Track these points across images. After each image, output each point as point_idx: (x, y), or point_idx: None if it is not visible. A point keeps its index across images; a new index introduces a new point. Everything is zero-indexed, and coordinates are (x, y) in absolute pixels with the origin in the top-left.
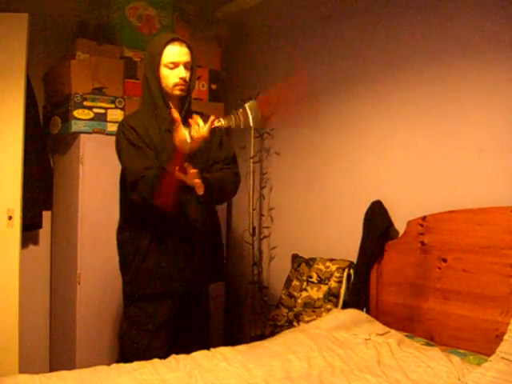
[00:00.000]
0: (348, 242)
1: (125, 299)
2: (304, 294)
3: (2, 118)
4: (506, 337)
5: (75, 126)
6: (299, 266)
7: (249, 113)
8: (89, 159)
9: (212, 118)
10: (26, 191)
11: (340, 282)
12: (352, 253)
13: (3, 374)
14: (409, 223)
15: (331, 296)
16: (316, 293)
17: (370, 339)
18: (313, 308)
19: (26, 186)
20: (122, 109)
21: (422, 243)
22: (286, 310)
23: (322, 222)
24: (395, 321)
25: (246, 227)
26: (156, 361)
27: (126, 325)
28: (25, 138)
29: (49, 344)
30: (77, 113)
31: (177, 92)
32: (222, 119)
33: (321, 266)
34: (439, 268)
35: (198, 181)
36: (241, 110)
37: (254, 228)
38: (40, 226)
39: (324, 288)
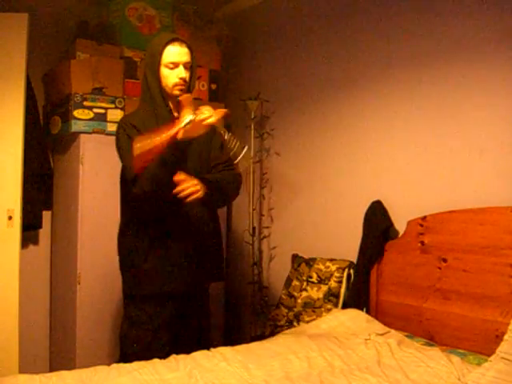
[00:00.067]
0: (348, 242)
1: (125, 299)
2: (304, 294)
3: (2, 118)
4: (506, 337)
5: (75, 126)
6: (299, 266)
7: (242, 152)
8: (89, 159)
9: (225, 110)
10: (25, 191)
11: (340, 282)
12: (352, 253)
13: (3, 374)
14: (409, 223)
15: (331, 296)
16: (316, 293)
17: (369, 339)
18: (313, 308)
19: (26, 186)
20: (121, 109)
21: (422, 243)
22: (286, 310)
23: (322, 222)
24: (395, 321)
25: (246, 227)
26: (156, 361)
27: (127, 325)
28: (25, 138)
29: (49, 344)
30: (77, 113)
31: (176, 92)
32: (226, 131)
33: (321, 266)
34: (439, 268)
35: (193, 189)
36: (239, 144)
37: (253, 228)
38: (40, 226)
39: (324, 288)
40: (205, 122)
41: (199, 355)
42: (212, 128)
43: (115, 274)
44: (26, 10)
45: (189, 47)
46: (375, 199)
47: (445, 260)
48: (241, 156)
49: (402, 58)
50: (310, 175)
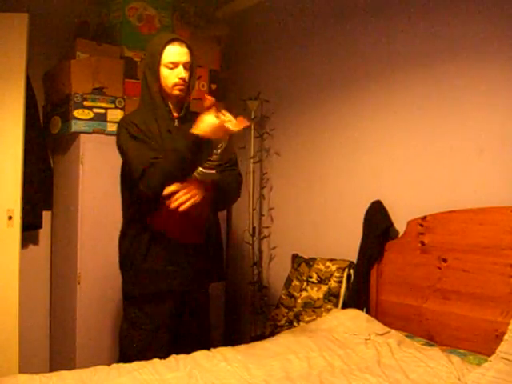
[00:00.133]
0: (348, 242)
1: (125, 299)
2: (304, 294)
3: (2, 118)
4: (506, 337)
5: (75, 126)
6: (299, 266)
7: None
8: (89, 159)
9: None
10: (25, 191)
11: (340, 282)
12: (352, 253)
13: (3, 374)
14: (409, 223)
15: (331, 296)
16: (316, 293)
17: (369, 339)
18: (313, 308)
19: (26, 186)
20: (121, 109)
21: (422, 243)
22: (286, 310)
23: (322, 221)
24: (395, 321)
25: (246, 227)
26: (156, 361)
27: (126, 325)
28: (25, 138)
29: (49, 344)
30: (77, 113)
31: (176, 92)
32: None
33: (321, 266)
34: (439, 268)
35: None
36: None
37: (254, 228)
38: (40, 226)
39: (324, 288)
40: (227, 127)
41: (199, 355)
42: None
43: (115, 274)
44: (26, 10)
45: (188, 47)
46: (375, 199)
47: (445, 260)
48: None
49: (402, 58)
50: (309, 175)
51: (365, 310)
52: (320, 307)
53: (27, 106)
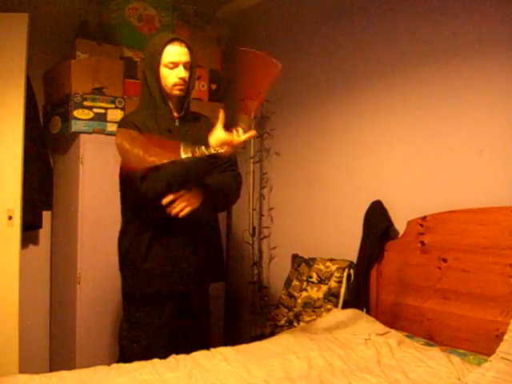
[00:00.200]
0: (348, 242)
1: (124, 299)
2: (304, 293)
3: (2, 118)
4: (506, 337)
5: (75, 126)
6: (299, 266)
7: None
8: (89, 159)
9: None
10: (25, 191)
11: (340, 282)
12: (352, 253)
13: (3, 374)
14: (409, 223)
15: (331, 296)
16: (316, 293)
17: (369, 339)
18: (313, 308)
19: (26, 186)
20: (122, 109)
21: (422, 243)
22: (286, 310)
23: (322, 221)
24: (395, 321)
25: (246, 227)
26: (156, 361)
27: (126, 325)
28: (25, 138)
29: (49, 344)
30: (77, 113)
31: (176, 92)
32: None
33: (321, 266)
34: (439, 268)
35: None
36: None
37: (254, 228)
38: (40, 226)
39: (324, 288)
40: (237, 142)
41: (199, 355)
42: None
43: (115, 274)
44: (26, 10)
45: (188, 47)
46: (375, 199)
47: (445, 260)
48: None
49: (402, 58)
50: (309, 175)
51: (365, 310)
52: (320, 307)
53: (27, 106)
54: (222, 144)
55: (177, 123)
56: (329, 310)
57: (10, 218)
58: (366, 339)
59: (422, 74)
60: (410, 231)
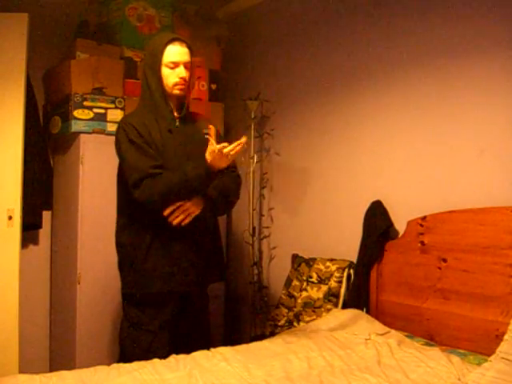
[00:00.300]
0: (348, 242)
1: (124, 299)
2: (304, 294)
3: (2, 118)
4: (506, 337)
5: (75, 126)
6: (299, 265)
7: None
8: (89, 159)
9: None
10: (26, 191)
11: (340, 282)
12: (352, 253)
13: (3, 374)
14: (409, 223)
15: (331, 296)
16: (316, 293)
17: (369, 339)
18: (313, 308)
19: (26, 185)
20: (122, 109)
21: (422, 243)
22: (286, 310)
23: (321, 222)
24: (395, 321)
25: (246, 227)
26: (156, 361)
27: (127, 326)
28: (25, 138)
29: (49, 344)
30: (77, 113)
31: (176, 91)
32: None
33: (321, 266)
34: (439, 268)
35: None
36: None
37: (254, 228)
38: (40, 226)
39: (324, 288)
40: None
41: (199, 355)
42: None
43: (115, 273)
44: (26, 10)
45: (189, 47)
46: (375, 199)
47: (445, 260)
48: None
49: (402, 58)
50: (309, 175)
51: (365, 310)
52: (320, 307)
53: (27, 106)
54: (219, 158)
55: (177, 123)
56: (329, 310)
57: (10, 217)
58: (366, 339)
59: (422, 74)
60: (409, 231)
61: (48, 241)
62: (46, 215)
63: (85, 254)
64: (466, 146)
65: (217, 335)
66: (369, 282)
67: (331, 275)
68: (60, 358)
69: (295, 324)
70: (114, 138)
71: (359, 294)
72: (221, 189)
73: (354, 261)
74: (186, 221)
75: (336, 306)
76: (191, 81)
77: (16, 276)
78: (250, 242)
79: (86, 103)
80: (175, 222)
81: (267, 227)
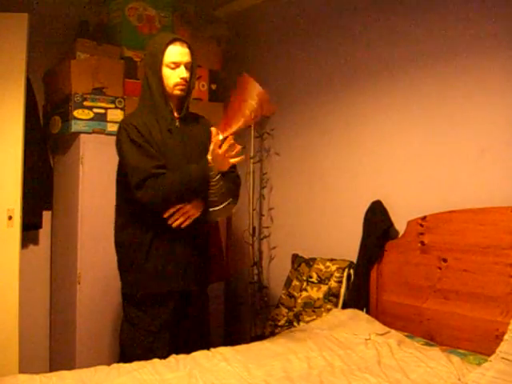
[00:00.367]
0: (348, 242)
1: (124, 299)
2: (304, 294)
3: (2, 118)
4: (506, 337)
5: (75, 126)
6: (299, 265)
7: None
8: (89, 159)
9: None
10: (25, 191)
11: (340, 282)
12: (352, 253)
13: (3, 374)
14: (409, 223)
15: (331, 296)
16: (316, 293)
17: (370, 339)
18: (313, 308)
19: (26, 185)
20: (121, 109)
21: (422, 243)
22: (286, 310)
23: (322, 222)
24: (395, 321)
25: (245, 227)
26: (156, 361)
27: (127, 326)
28: (25, 138)
29: (49, 344)
30: (77, 113)
31: (177, 92)
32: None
33: (321, 266)
34: (439, 268)
35: None
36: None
37: (254, 228)
38: (40, 226)
39: (324, 288)
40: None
41: (199, 355)
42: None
43: (115, 273)
44: (26, 10)
45: (189, 47)
46: (375, 199)
47: (445, 260)
48: (221, 206)
49: (402, 58)
50: (309, 175)
51: (365, 310)
52: (320, 307)
53: (27, 105)
54: (221, 160)
55: (177, 123)
56: (329, 310)
57: (10, 218)
58: (366, 339)
59: (423, 74)
60: (410, 231)
61: (48, 241)
62: (46, 215)
63: (85, 254)
64: (466, 146)
65: (217, 335)
66: (369, 282)
67: (331, 275)
68: (60, 357)
69: (295, 324)
70: (114, 138)
71: (359, 294)
72: (220, 190)
73: (354, 261)
74: (186, 223)
75: (336, 306)
76: (192, 81)
77: (16, 276)
78: (250, 241)
79: (86, 103)
80: (175, 224)
81: (267, 227)
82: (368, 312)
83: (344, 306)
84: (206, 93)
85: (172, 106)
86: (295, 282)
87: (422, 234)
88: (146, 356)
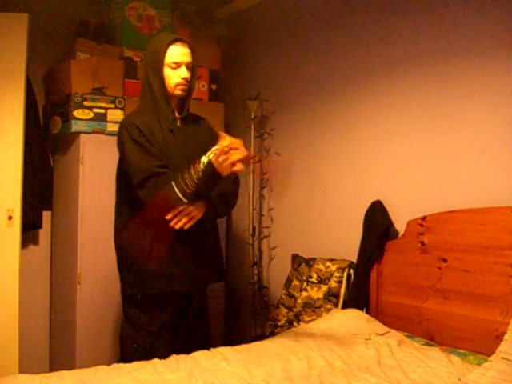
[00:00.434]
0: (348, 242)
1: (125, 300)
2: (304, 293)
3: (2, 118)
4: (506, 337)
5: (75, 126)
6: (299, 265)
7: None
8: (89, 159)
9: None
10: (25, 191)
11: (340, 282)
12: (352, 253)
13: (3, 374)
14: (409, 223)
15: (331, 296)
16: (316, 293)
17: (369, 339)
18: (313, 308)
19: (26, 186)
20: (121, 109)
21: (422, 243)
22: (286, 310)
23: (322, 221)
24: (395, 321)
25: (245, 227)
26: (156, 361)
27: (127, 326)
28: (25, 138)
29: (49, 344)
30: (77, 113)
31: (178, 92)
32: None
33: (321, 266)
34: (439, 268)
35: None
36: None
37: (254, 228)
38: (40, 226)
39: (324, 288)
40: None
41: (199, 355)
42: (213, 132)
43: (115, 274)
44: (26, 10)
45: (190, 47)
46: (375, 199)
47: (445, 260)
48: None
49: (402, 58)
50: (309, 175)
51: (365, 310)
52: (320, 307)
53: (27, 105)
54: (224, 165)
55: (178, 123)
56: (329, 310)
57: (10, 218)
58: (366, 339)
59: (422, 74)
60: (410, 231)
61: (48, 241)
62: (46, 215)
63: (85, 254)
64: (466, 145)
65: (217, 335)
66: (369, 282)
67: (331, 275)
68: (60, 358)
69: (295, 324)
70: (114, 138)
71: (359, 294)
72: (221, 192)
73: (354, 261)
74: (189, 225)
75: (336, 306)
76: (192, 81)
77: (16, 276)
78: (250, 241)
79: (86, 103)
80: (178, 225)
81: (267, 227)
82: (368, 312)
83: (344, 306)
84: (206, 93)
85: (173, 106)
86: (295, 282)
87: (421, 234)
88: (146, 356)
